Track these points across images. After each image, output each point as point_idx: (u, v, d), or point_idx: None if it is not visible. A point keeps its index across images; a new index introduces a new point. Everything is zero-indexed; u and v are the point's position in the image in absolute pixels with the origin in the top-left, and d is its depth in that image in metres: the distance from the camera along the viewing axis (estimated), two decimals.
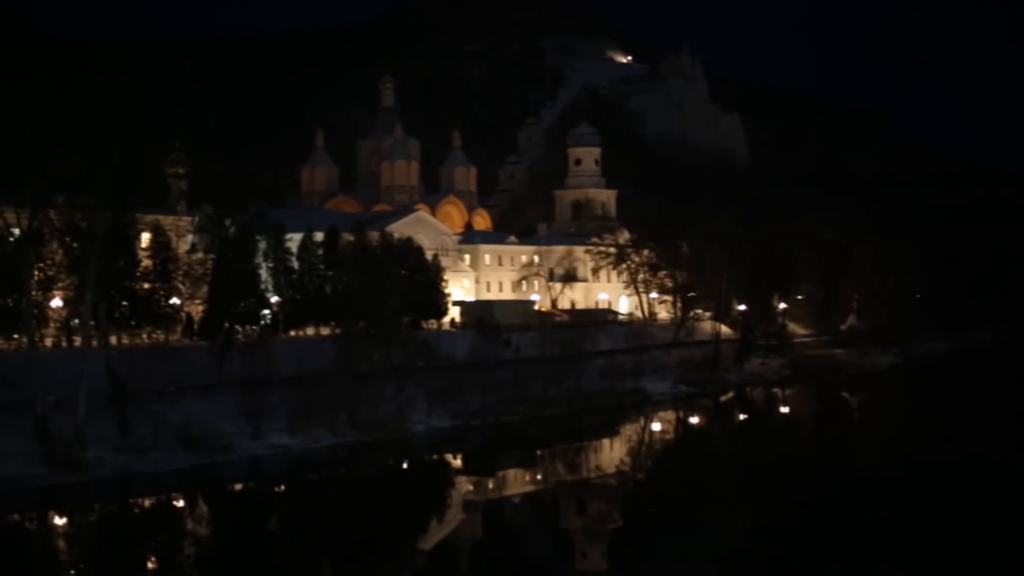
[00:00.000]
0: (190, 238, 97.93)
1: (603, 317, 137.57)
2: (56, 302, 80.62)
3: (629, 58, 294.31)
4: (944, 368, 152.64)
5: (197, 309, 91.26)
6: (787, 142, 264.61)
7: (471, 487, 68.79)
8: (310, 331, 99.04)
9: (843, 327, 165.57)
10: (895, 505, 59.50)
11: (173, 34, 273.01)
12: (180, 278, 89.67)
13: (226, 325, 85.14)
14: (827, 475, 71.31)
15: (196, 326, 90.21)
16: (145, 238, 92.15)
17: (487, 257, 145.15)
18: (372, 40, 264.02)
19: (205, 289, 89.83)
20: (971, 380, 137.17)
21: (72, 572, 48.47)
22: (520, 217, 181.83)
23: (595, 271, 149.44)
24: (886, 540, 50.81)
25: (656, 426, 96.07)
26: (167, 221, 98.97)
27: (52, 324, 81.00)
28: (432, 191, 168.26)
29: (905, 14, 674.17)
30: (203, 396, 74.66)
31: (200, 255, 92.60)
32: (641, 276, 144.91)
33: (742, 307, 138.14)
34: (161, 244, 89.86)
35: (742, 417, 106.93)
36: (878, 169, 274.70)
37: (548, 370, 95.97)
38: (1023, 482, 66.68)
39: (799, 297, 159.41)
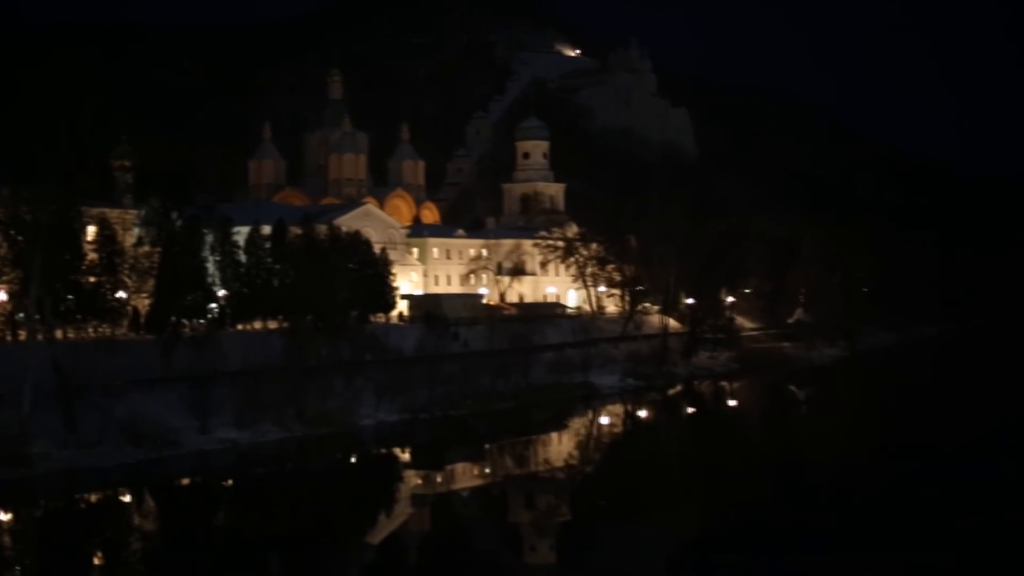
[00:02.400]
0: (136, 231, 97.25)
1: (551, 311, 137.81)
2: (0, 296, 79.90)
3: (577, 52, 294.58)
4: (890, 361, 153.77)
5: (144, 303, 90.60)
6: (737, 137, 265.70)
7: (419, 481, 68.76)
8: (258, 325, 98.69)
9: (790, 321, 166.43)
10: (839, 498, 59.98)
11: (118, 25, 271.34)
12: (127, 272, 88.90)
13: (173, 319, 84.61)
14: (774, 469, 71.67)
15: (143, 320, 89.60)
16: (91, 231, 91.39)
17: (435, 251, 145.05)
18: (320, 32, 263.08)
19: (152, 283, 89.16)
20: (915, 373, 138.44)
21: (17, 568, 48.06)
22: (468, 211, 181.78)
23: (543, 265, 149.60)
24: (831, 533, 51.17)
25: (604, 420, 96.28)
26: (113, 214, 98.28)
27: None
28: (380, 184, 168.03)
29: (851, 8, 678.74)
30: (150, 390, 74.18)
31: (147, 248, 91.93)
32: (589, 270, 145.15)
33: (690, 301, 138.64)
34: (107, 237, 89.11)
35: (690, 411, 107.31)
36: (827, 165, 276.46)
37: (496, 364, 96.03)
38: (950, 472, 67.34)
39: (747, 291, 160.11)
